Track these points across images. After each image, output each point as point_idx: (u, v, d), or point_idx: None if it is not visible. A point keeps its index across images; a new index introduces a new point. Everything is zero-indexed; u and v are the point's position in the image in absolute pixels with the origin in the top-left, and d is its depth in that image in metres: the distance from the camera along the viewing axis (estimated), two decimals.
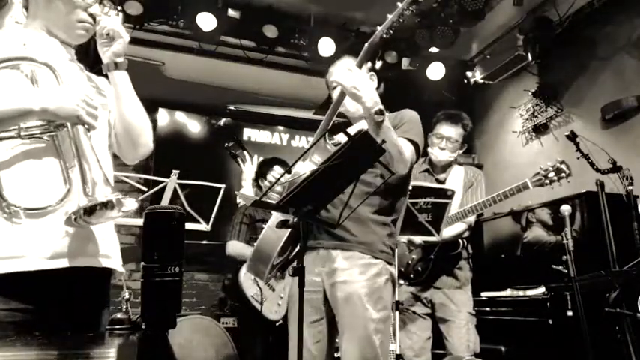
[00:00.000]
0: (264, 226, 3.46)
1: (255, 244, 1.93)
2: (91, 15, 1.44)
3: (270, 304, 3.29)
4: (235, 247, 3.46)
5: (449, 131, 2.93)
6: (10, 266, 1.23)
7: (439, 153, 2.95)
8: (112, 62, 1.43)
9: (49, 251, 1.27)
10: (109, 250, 1.43)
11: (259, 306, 3.27)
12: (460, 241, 2.94)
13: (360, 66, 1.87)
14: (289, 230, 1.76)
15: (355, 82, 1.77)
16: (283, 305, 3.37)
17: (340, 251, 1.86)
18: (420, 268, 2.92)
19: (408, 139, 1.94)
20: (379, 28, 1.85)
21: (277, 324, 3.32)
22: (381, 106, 1.75)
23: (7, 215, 1.25)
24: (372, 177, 1.90)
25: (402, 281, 2.95)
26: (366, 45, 1.86)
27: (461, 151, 3.01)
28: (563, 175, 2.78)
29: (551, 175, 2.78)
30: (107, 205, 1.25)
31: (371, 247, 1.86)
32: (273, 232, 1.82)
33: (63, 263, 1.29)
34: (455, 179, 3.01)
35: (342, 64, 2.01)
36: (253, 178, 3.72)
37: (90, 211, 1.24)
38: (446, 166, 3.02)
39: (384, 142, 1.50)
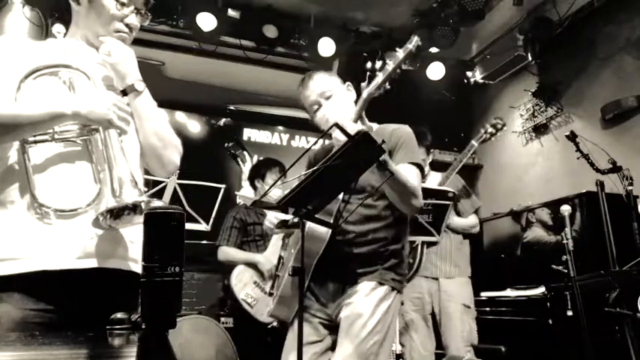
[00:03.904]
0: (257, 227, 3.51)
1: (277, 292, 1.97)
2: (127, 25, 1.48)
3: (262, 307, 3.27)
4: (226, 253, 3.46)
5: None
6: (38, 265, 1.24)
7: None
8: (124, 87, 1.43)
9: (78, 251, 1.29)
10: (137, 255, 1.43)
11: (250, 309, 3.27)
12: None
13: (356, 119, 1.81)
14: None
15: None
16: None
17: (350, 286, 1.84)
18: (410, 260, 2.97)
19: (413, 163, 1.85)
20: (367, 89, 1.82)
21: (269, 326, 3.31)
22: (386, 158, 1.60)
23: (38, 216, 1.28)
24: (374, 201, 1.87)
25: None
26: (361, 101, 1.83)
27: (429, 159, 3.29)
28: (498, 126, 3.37)
29: (490, 129, 3.36)
30: (136, 210, 1.27)
31: (378, 276, 1.84)
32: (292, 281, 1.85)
33: (92, 264, 1.30)
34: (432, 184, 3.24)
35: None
36: (248, 179, 3.71)
37: (117, 214, 1.26)
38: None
39: (383, 142, 1.48)
